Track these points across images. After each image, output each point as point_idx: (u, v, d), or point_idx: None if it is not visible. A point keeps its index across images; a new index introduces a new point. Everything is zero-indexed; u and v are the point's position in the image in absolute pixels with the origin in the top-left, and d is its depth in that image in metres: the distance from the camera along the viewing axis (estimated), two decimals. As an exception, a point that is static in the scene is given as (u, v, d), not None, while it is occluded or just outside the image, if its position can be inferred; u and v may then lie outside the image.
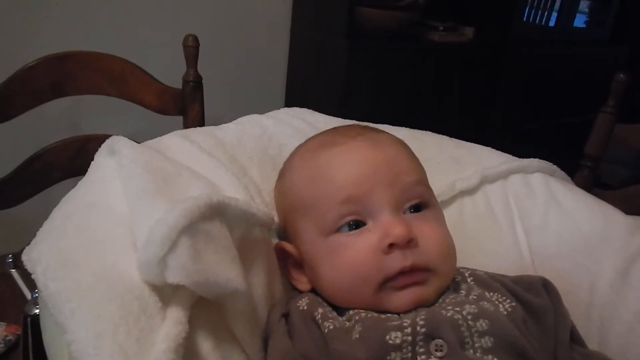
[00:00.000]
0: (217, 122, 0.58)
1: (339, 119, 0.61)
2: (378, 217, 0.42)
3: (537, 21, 1.97)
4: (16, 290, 0.68)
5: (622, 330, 0.47)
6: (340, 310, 0.43)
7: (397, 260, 0.40)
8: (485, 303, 0.41)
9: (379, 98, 1.50)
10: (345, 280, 0.41)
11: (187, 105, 0.94)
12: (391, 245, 0.40)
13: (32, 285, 0.67)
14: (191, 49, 0.91)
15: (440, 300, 0.42)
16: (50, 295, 0.30)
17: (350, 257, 0.41)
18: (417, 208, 0.43)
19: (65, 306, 0.29)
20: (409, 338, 0.37)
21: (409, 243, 0.40)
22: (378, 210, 0.42)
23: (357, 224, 0.42)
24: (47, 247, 0.33)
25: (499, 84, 1.80)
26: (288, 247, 0.46)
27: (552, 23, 2.03)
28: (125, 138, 0.44)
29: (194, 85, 0.93)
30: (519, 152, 0.63)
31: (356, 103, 1.45)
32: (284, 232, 0.49)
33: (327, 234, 0.42)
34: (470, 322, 0.39)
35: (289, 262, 0.47)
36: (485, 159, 0.60)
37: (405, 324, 0.38)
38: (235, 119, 0.58)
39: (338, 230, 0.42)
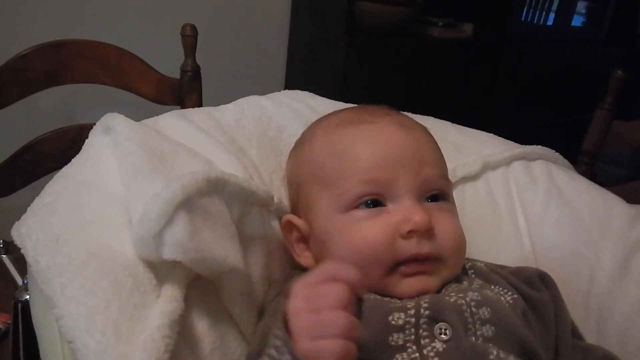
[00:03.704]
0: (214, 113, 0.56)
1: (341, 103, 0.60)
2: (400, 201, 0.41)
3: (535, 21, 1.98)
4: (6, 279, 0.66)
5: (620, 320, 0.47)
6: None
7: (412, 247, 0.40)
8: (488, 292, 0.41)
9: (377, 93, 1.50)
10: (356, 258, 0.40)
11: (184, 95, 0.93)
12: (410, 231, 0.40)
13: (23, 271, 0.65)
14: (189, 38, 0.90)
15: (444, 289, 0.42)
16: (40, 270, 0.29)
17: (365, 234, 0.40)
18: (435, 198, 0.43)
19: (55, 280, 0.28)
20: (412, 320, 0.37)
21: (427, 232, 0.40)
22: (400, 195, 0.41)
23: (374, 203, 0.42)
24: (38, 223, 0.32)
25: (496, 81, 1.80)
26: (296, 220, 0.45)
27: (549, 23, 2.04)
28: (121, 115, 0.43)
29: (192, 75, 0.92)
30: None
31: (354, 98, 1.43)
32: (295, 204, 0.48)
33: (343, 210, 0.42)
34: (473, 308, 0.38)
35: (294, 236, 0.46)
36: (488, 145, 0.60)
37: (409, 306, 0.38)
38: (233, 102, 0.57)
39: (356, 207, 0.42)
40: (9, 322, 0.59)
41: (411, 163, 0.42)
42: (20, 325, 0.48)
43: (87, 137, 0.45)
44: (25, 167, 0.87)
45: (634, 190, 1.05)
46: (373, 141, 0.43)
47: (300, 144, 0.50)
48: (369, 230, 0.40)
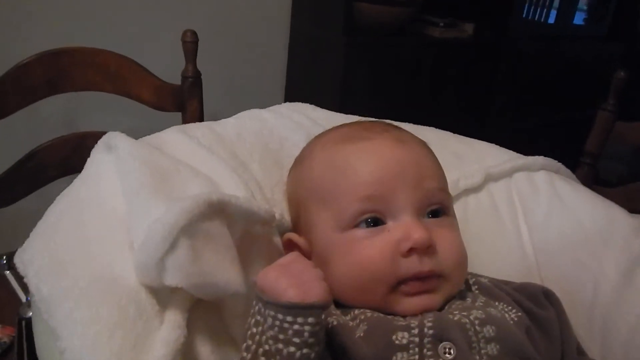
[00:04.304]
0: (216, 118, 0.56)
1: (342, 115, 0.60)
2: (399, 218, 0.41)
3: (536, 18, 1.97)
4: (11, 291, 0.67)
5: (625, 331, 0.47)
6: (344, 309, 0.42)
7: (414, 265, 0.40)
8: (492, 310, 0.41)
9: (377, 94, 1.49)
10: (358, 278, 0.40)
11: (185, 102, 0.92)
12: (410, 249, 0.39)
13: (26, 286, 0.66)
14: (190, 44, 0.90)
15: (447, 306, 0.42)
16: (42, 299, 0.29)
17: (366, 254, 0.40)
18: (435, 214, 0.43)
19: (58, 310, 0.28)
20: (416, 339, 0.37)
21: (428, 249, 0.40)
22: (400, 212, 0.41)
23: (375, 222, 0.41)
24: (40, 248, 0.32)
25: (498, 80, 1.79)
26: (297, 239, 0.45)
27: (551, 20, 2.03)
28: (123, 134, 0.43)
29: (193, 81, 0.91)
30: (518, 148, 0.62)
31: (355, 99, 1.44)
32: (296, 222, 0.48)
33: (343, 229, 0.42)
34: (477, 327, 0.38)
35: None
36: (489, 156, 0.59)
37: (412, 325, 0.37)
38: (234, 115, 0.57)
39: (356, 225, 0.41)
40: (14, 335, 0.60)
41: (409, 177, 0.42)
42: (24, 342, 0.49)
43: (87, 145, 0.45)
44: (28, 175, 0.87)
45: (637, 191, 1.04)
46: (370, 158, 0.43)
47: (299, 161, 0.50)
48: (369, 250, 0.40)
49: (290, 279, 0.34)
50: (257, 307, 0.33)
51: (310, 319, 0.32)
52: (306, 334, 0.31)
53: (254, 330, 0.33)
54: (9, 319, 0.63)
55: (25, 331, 0.48)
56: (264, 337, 0.32)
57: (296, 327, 0.31)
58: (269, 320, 0.32)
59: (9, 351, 0.60)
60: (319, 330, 0.32)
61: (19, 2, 1.15)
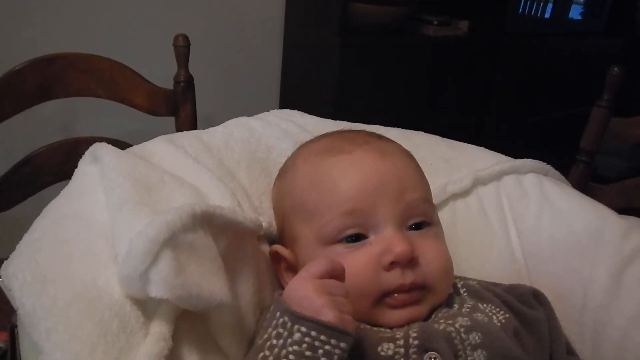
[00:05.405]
0: (210, 122, 0.57)
1: (330, 121, 0.60)
2: (381, 231, 0.41)
3: (532, 13, 1.96)
4: (6, 296, 0.67)
5: (615, 335, 0.47)
6: None
7: (396, 278, 0.40)
8: (479, 315, 0.41)
9: (374, 94, 1.49)
10: None
11: (178, 106, 0.93)
12: (393, 262, 0.40)
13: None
14: (181, 48, 0.90)
15: (433, 315, 0.42)
16: (26, 313, 0.30)
17: (349, 270, 0.40)
18: (419, 225, 0.43)
19: (41, 325, 0.28)
20: (402, 350, 0.37)
21: (411, 261, 0.40)
22: (381, 225, 0.41)
23: (357, 237, 0.42)
24: (25, 262, 0.33)
25: (494, 77, 1.78)
26: (283, 251, 0.45)
27: (547, 15, 2.02)
28: (108, 145, 0.43)
29: (185, 85, 0.92)
30: (515, 145, 0.62)
31: (351, 100, 1.43)
32: (281, 233, 0.48)
33: (326, 244, 0.42)
34: (463, 334, 0.38)
35: (282, 266, 0.46)
36: (478, 160, 0.59)
37: (397, 336, 0.38)
38: (229, 119, 0.57)
39: (339, 241, 0.42)
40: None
41: (390, 190, 0.42)
42: (17, 350, 0.49)
43: (81, 151, 0.45)
44: (23, 181, 0.88)
45: (635, 187, 1.04)
46: (350, 172, 0.43)
47: (282, 173, 0.50)
48: (352, 265, 0.40)
49: (329, 298, 0.33)
50: (281, 320, 0.33)
51: (342, 344, 0.32)
52: (335, 357, 0.31)
53: (274, 342, 0.32)
54: (5, 324, 0.63)
55: (18, 339, 0.48)
56: (284, 351, 0.32)
57: (327, 347, 0.31)
58: (296, 335, 0.32)
59: (4, 357, 0.61)
60: (345, 358, 0.32)
61: (11, 9, 1.15)
